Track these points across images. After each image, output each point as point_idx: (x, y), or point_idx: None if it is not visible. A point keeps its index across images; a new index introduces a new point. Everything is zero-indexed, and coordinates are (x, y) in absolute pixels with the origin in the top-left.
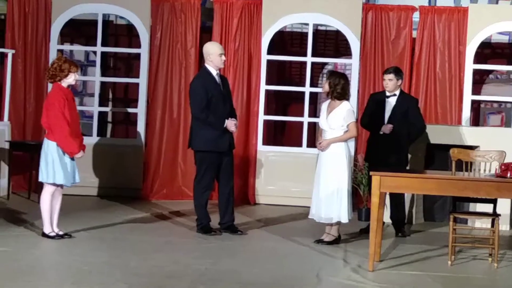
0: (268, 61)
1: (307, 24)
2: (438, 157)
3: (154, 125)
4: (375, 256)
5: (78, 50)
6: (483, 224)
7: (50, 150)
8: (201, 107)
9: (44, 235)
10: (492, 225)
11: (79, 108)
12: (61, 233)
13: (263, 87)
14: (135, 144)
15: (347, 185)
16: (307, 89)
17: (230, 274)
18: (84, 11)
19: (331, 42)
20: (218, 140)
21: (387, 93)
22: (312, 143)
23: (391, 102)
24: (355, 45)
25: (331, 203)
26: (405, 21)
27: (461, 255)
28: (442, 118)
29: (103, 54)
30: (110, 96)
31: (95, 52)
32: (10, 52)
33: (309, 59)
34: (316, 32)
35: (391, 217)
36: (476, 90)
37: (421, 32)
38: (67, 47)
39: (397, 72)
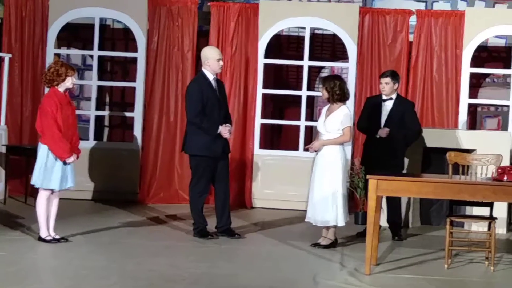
0: (265, 65)
1: (304, 28)
2: (434, 160)
3: (151, 129)
4: (371, 260)
5: (75, 54)
6: (479, 227)
7: (42, 154)
8: (196, 112)
9: (41, 239)
10: (489, 229)
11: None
12: (57, 237)
13: (260, 90)
14: (131, 148)
15: (341, 189)
16: (304, 93)
17: (227, 277)
18: (81, 15)
19: (328, 46)
20: (212, 145)
21: (384, 97)
22: None
23: (387, 105)
24: (351, 49)
25: (326, 206)
26: (402, 24)
27: (457, 259)
28: (438, 122)
29: (100, 58)
30: (107, 100)
31: (92, 56)
32: (7, 56)
33: (306, 62)
34: (313, 35)
35: (388, 221)
36: (472, 93)
37: (418, 36)
38: (64, 51)
39: (394, 75)
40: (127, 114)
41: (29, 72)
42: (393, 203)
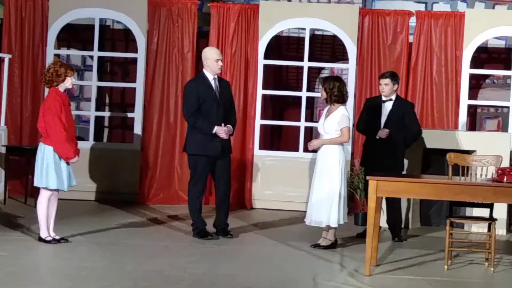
0: (265, 66)
1: (304, 29)
2: (434, 161)
3: (151, 130)
4: (371, 261)
5: (75, 54)
6: (479, 228)
7: (45, 154)
8: (191, 111)
9: (41, 239)
10: (489, 230)
11: (76, 112)
12: (57, 237)
13: (260, 91)
14: (131, 148)
15: (339, 190)
16: (303, 94)
17: (227, 278)
18: (81, 15)
19: (328, 47)
20: (208, 145)
21: (383, 98)
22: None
23: (387, 106)
24: (351, 50)
25: (321, 207)
26: (401, 25)
27: (457, 260)
28: (438, 123)
29: (100, 58)
30: (107, 100)
31: (92, 57)
32: (6, 57)
33: (305, 63)
34: (313, 36)
35: (388, 222)
36: (472, 94)
37: (417, 37)
38: (64, 51)
39: (394, 76)
40: (127, 114)
41: (29, 73)
42: (393, 204)
